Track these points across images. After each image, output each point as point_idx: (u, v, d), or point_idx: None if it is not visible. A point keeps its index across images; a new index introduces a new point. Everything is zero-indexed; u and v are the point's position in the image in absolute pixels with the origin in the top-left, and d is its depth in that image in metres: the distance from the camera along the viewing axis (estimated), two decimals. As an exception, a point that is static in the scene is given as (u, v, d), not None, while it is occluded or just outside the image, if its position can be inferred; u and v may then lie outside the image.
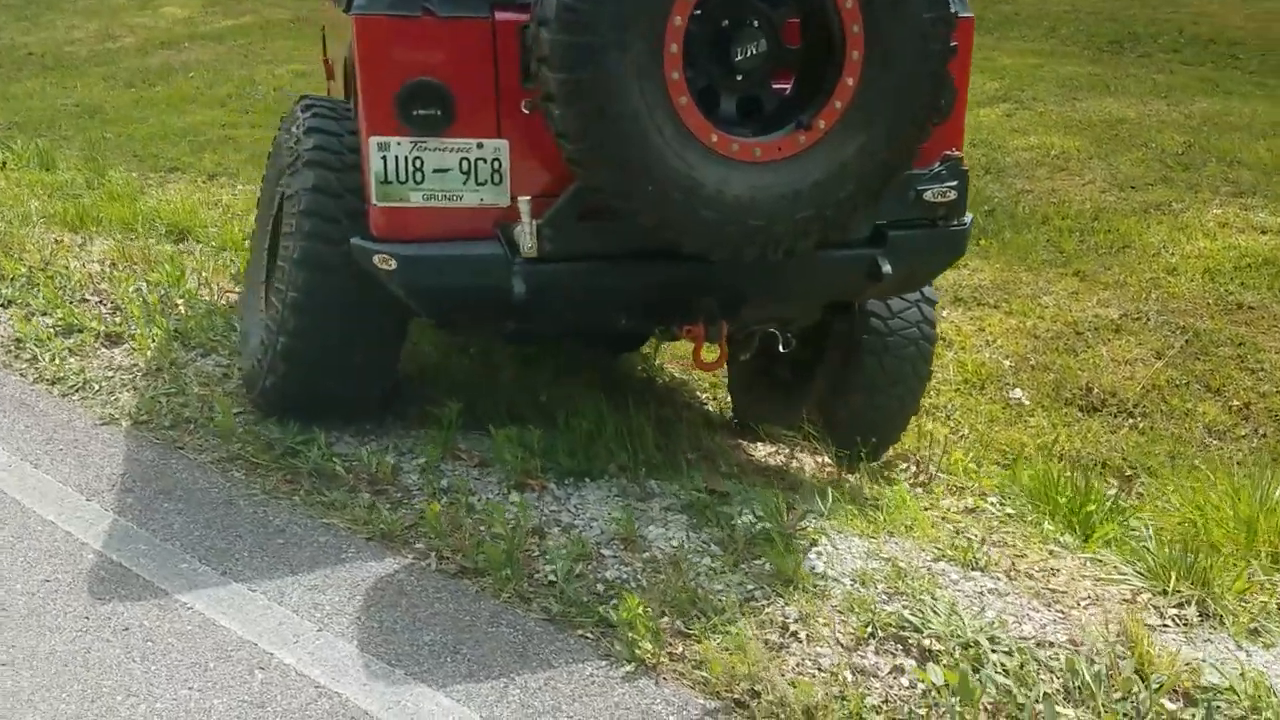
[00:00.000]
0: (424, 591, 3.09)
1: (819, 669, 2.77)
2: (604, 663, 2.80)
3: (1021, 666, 2.74)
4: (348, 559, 3.24)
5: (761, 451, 4.51)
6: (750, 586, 3.10)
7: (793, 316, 3.99)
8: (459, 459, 3.82)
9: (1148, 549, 3.46)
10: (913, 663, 2.80)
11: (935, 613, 2.96)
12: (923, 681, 2.68)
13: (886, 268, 3.62)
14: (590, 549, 3.25)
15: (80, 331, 4.89)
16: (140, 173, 9.44)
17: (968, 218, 3.79)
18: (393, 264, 3.37)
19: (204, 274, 5.91)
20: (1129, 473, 4.76)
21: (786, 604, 3.01)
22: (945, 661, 2.79)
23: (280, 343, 3.71)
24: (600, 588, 3.10)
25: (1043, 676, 2.72)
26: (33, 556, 3.25)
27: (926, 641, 2.85)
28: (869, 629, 2.90)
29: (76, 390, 4.39)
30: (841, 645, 2.86)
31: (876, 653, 2.83)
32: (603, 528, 3.41)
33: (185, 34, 14.82)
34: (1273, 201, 7.42)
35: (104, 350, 4.76)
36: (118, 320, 5.03)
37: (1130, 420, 5.52)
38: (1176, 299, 6.41)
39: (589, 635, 2.91)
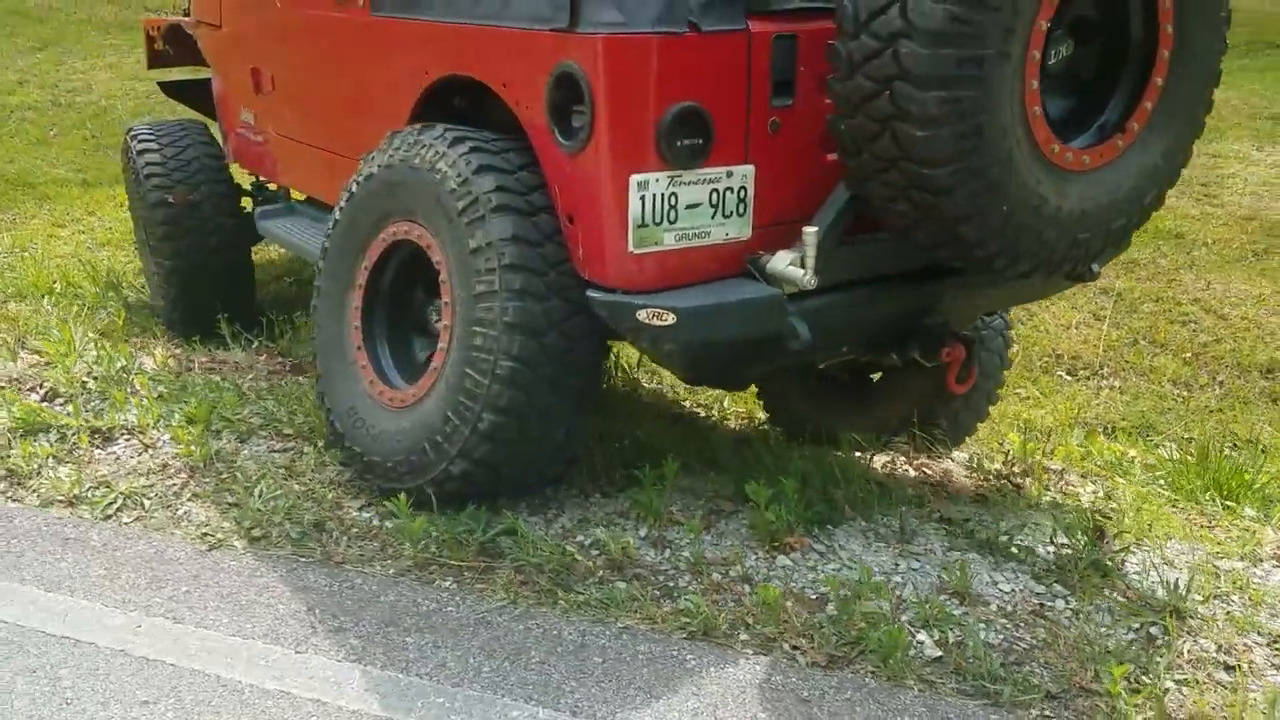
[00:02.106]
0: (824, 696, 2.66)
1: (1296, 705, 2.65)
2: (1106, 746, 2.53)
3: None
4: (695, 669, 2.74)
5: (877, 460, 4.30)
6: (1134, 625, 2.92)
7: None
8: (676, 522, 3.34)
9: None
10: (1363, 679, 2.74)
11: (1321, 619, 2.92)
12: None
13: (1097, 266, 3.52)
14: (939, 611, 2.94)
15: (48, 430, 3.86)
16: None
17: None
18: (670, 319, 2.89)
19: (111, 336, 4.89)
20: (1186, 437, 4.96)
21: (1196, 637, 2.86)
22: (1388, 670, 2.76)
23: (486, 420, 3.08)
24: (998, 656, 2.80)
25: None
26: (303, 744, 2.51)
27: (1356, 653, 2.81)
28: (1290, 650, 2.82)
29: (119, 509, 3.45)
30: (1288, 672, 2.75)
31: (1326, 676, 2.75)
32: (916, 583, 3.10)
33: None
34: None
35: (100, 452, 3.78)
36: (66, 409, 4.00)
37: (1104, 381, 5.78)
38: (1076, 260, 6.76)
39: (1050, 717, 2.62)
